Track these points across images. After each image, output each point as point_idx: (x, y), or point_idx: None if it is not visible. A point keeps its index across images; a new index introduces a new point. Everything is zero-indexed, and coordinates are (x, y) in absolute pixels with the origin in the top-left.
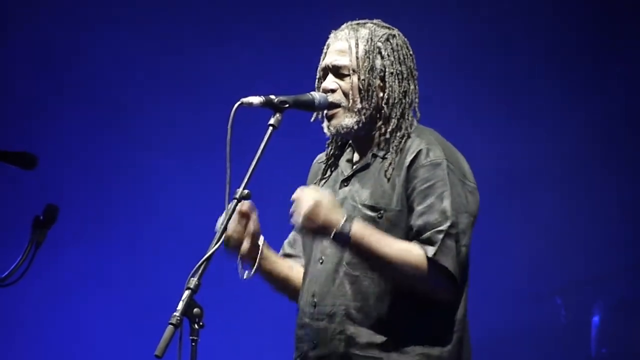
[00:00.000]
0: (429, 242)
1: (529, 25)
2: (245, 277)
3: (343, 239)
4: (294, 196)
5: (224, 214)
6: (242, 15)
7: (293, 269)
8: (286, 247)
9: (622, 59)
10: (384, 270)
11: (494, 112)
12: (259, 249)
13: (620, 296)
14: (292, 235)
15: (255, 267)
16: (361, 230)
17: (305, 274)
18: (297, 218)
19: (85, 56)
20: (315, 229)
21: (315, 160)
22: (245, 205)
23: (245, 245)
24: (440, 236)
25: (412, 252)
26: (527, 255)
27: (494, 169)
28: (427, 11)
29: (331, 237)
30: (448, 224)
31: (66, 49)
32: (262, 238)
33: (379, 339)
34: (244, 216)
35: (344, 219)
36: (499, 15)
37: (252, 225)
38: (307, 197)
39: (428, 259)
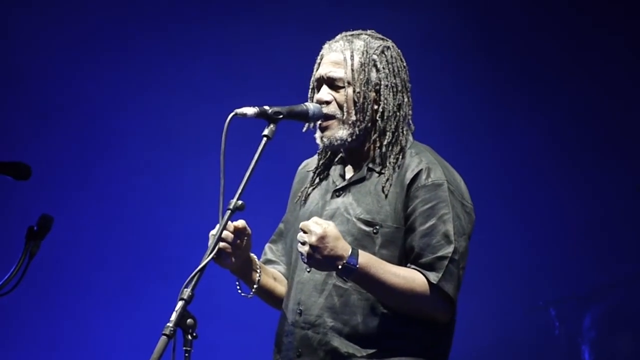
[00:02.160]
0: (430, 267)
1: (516, 24)
2: (249, 296)
3: (350, 271)
4: (301, 225)
5: (217, 225)
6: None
7: (276, 279)
8: (268, 252)
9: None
10: (387, 298)
11: (485, 123)
12: (251, 266)
13: (613, 308)
14: (274, 237)
15: (255, 287)
16: (367, 261)
17: (291, 280)
18: (304, 248)
19: (77, 64)
20: (321, 260)
21: (301, 167)
22: (240, 222)
23: (237, 262)
24: (445, 262)
25: (415, 280)
26: (521, 267)
27: (488, 181)
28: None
29: (339, 268)
30: (451, 249)
31: (58, 58)
32: (254, 257)
33: (364, 352)
34: (238, 233)
35: (351, 250)
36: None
37: (245, 243)
38: (315, 228)
39: (431, 284)
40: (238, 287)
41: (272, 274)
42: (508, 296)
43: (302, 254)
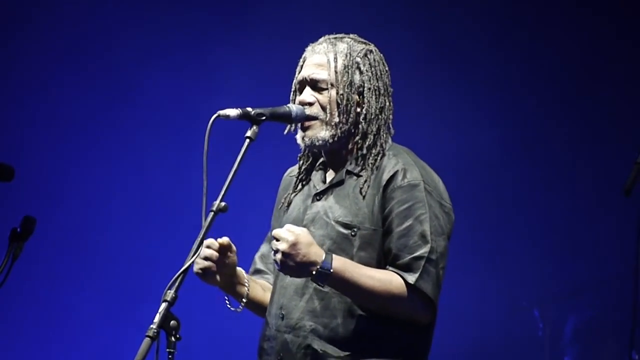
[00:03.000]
0: (408, 267)
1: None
2: (238, 310)
3: (324, 275)
4: (273, 233)
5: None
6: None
7: (265, 290)
8: (257, 262)
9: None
10: (364, 301)
11: (467, 121)
12: (238, 280)
13: (597, 309)
14: (263, 247)
15: (244, 301)
16: (342, 265)
17: (274, 285)
18: (277, 256)
19: (62, 65)
20: (295, 266)
21: (286, 174)
22: (224, 240)
23: (223, 279)
24: (422, 262)
25: (392, 282)
26: (505, 268)
27: (470, 180)
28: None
29: (313, 273)
30: (428, 249)
31: (43, 58)
32: (242, 270)
33: (344, 354)
34: (223, 250)
35: (324, 255)
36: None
37: (230, 260)
38: (286, 235)
39: (409, 285)
40: (227, 302)
41: (262, 286)
42: (491, 297)
43: (276, 262)
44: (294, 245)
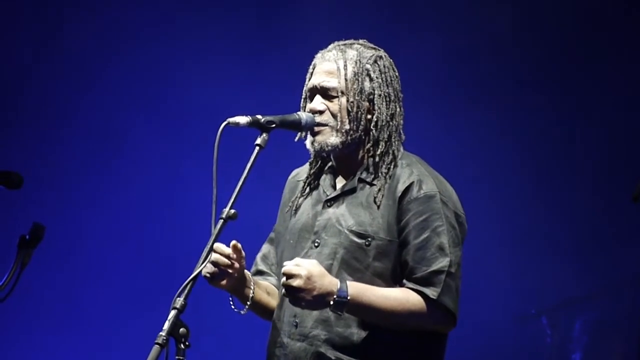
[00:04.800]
0: (426, 282)
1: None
2: (242, 312)
3: (342, 304)
4: (283, 270)
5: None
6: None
7: (270, 294)
8: (259, 263)
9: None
10: (383, 322)
11: (471, 129)
12: (244, 282)
13: (604, 315)
14: (265, 248)
15: (249, 303)
16: (358, 291)
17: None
18: (292, 293)
19: (70, 73)
20: (312, 300)
21: (291, 176)
22: (235, 244)
23: (229, 282)
24: (442, 276)
25: (409, 300)
26: (513, 274)
27: (478, 188)
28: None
29: (331, 304)
30: (447, 262)
31: (49, 66)
32: (248, 273)
33: None
34: (234, 254)
35: (339, 284)
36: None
37: (239, 265)
38: (299, 271)
39: (429, 300)
40: (231, 304)
41: (266, 288)
42: (500, 304)
43: (291, 299)
44: (308, 279)
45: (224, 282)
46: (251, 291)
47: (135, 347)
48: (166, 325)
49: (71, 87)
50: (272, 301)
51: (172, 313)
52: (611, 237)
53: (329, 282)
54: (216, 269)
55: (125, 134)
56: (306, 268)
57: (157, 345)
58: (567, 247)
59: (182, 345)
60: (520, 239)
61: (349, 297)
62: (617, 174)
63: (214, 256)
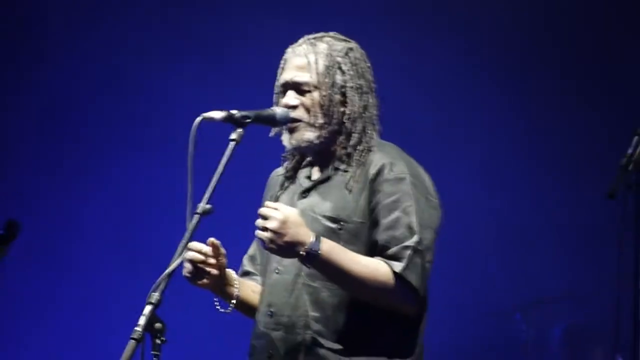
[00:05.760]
0: (395, 257)
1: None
2: (228, 311)
3: (312, 256)
4: (260, 211)
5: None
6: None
7: (255, 292)
8: (246, 264)
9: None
10: (350, 287)
11: (456, 122)
12: (227, 281)
13: (580, 313)
14: (252, 249)
15: (233, 302)
16: (330, 248)
17: (263, 285)
18: (264, 234)
19: (46, 64)
20: (283, 246)
21: (273, 174)
22: (212, 241)
23: (211, 281)
24: (408, 252)
25: (379, 270)
26: (488, 271)
27: (456, 180)
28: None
29: (301, 254)
30: (415, 239)
31: (25, 57)
32: (231, 272)
33: (338, 349)
34: (212, 252)
35: (313, 236)
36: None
37: (219, 262)
38: (275, 214)
39: (395, 274)
40: (216, 304)
41: (251, 287)
42: (474, 300)
43: (262, 241)
44: (283, 223)
45: (204, 280)
46: (236, 290)
47: (110, 344)
48: (142, 321)
49: (49, 79)
50: (257, 300)
51: (148, 308)
52: (588, 235)
53: (305, 233)
54: (193, 267)
55: (103, 128)
56: (283, 213)
57: (133, 340)
58: (544, 244)
59: (158, 341)
60: (496, 236)
61: (320, 251)
62: (596, 171)
63: (189, 254)
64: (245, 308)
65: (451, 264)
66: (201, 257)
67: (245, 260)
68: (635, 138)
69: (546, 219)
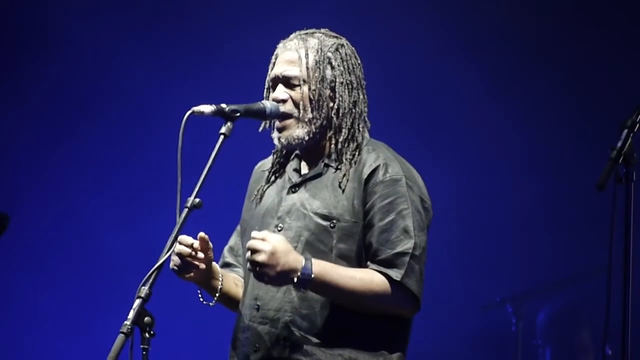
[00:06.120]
0: (390, 264)
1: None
2: (211, 304)
3: (305, 281)
4: (248, 245)
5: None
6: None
7: (238, 285)
8: (227, 255)
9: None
10: (346, 302)
11: (445, 116)
12: (212, 274)
13: (570, 304)
14: (232, 240)
15: (217, 295)
16: (322, 269)
17: (247, 277)
18: (255, 268)
19: (38, 60)
20: (275, 276)
21: (257, 167)
22: (202, 235)
23: (197, 274)
24: (406, 258)
25: (373, 280)
26: (477, 262)
27: (444, 173)
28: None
29: (294, 281)
30: (411, 245)
31: (20, 53)
32: (216, 265)
33: (323, 346)
34: (201, 246)
35: (304, 261)
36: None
37: (206, 256)
38: (263, 246)
39: (393, 282)
40: (200, 296)
41: (234, 280)
42: (464, 292)
43: (254, 274)
44: (272, 255)
45: (191, 274)
46: (219, 283)
47: (100, 338)
48: (131, 314)
49: (36, 71)
50: (241, 292)
51: (137, 302)
52: (577, 225)
53: (294, 259)
54: (181, 261)
55: (92, 123)
56: (271, 243)
57: (122, 334)
58: (533, 235)
59: (147, 335)
60: (485, 227)
61: (313, 275)
62: (583, 161)
63: (179, 247)
64: (228, 301)
65: (440, 255)
66: (188, 250)
67: (226, 251)
68: (625, 131)
69: (536, 210)
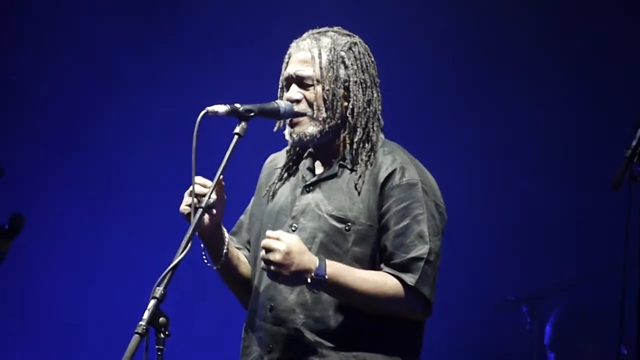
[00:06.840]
0: (405, 268)
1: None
2: (215, 268)
3: (319, 282)
4: (263, 244)
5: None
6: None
7: (240, 259)
8: (229, 243)
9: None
10: (359, 304)
11: (456, 113)
12: (219, 237)
13: (584, 303)
14: (234, 229)
15: (222, 259)
16: (336, 270)
17: (259, 277)
18: (270, 267)
19: (51, 64)
20: (289, 276)
21: (267, 161)
22: (219, 180)
23: (210, 225)
24: (421, 264)
25: (387, 283)
26: (493, 262)
27: (458, 174)
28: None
29: (308, 281)
30: (426, 250)
31: (29, 57)
32: (224, 230)
33: (336, 349)
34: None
35: (318, 262)
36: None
37: (220, 198)
38: (278, 245)
39: (407, 286)
40: (204, 258)
41: (237, 254)
42: (478, 291)
43: (268, 273)
44: (287, 254)
45: (206, 221)
46: (225, 247)
47: (116, 339)
48: (146, 315)
49: (51, 74)
50: (242, 267)
51: (152, 302)
52: (592, 226)
53: (308, 260)
54: (189, 207)
55: (106, 124)
56: (286, 243)
57: (137, 335)
58: (548, 234)
59: (162, 335)
60: (500, 227)
61: (327, 276)
62: (596, 162)
63: (195, 187)
64: (229, 271)
65: (455, 255)
66: (204, 189)
67: (228, 239)
68: (639, 130)
69: (552, 211)
